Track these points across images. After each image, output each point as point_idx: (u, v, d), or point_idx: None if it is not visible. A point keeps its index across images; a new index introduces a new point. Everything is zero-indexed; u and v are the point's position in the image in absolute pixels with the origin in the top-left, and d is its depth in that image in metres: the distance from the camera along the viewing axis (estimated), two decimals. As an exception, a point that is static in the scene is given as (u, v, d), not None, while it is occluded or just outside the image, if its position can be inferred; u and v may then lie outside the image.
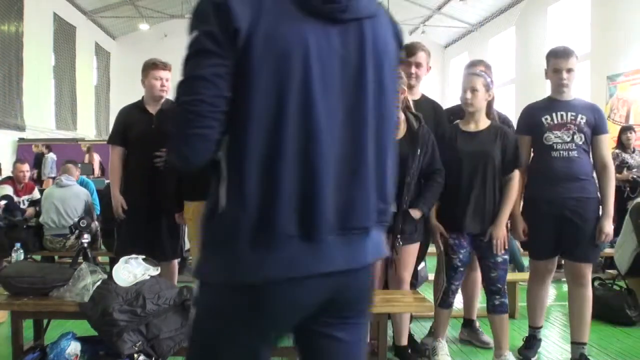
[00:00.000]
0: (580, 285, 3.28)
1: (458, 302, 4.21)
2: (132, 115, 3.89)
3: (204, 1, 1.19)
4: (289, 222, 1.20)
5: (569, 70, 3.23)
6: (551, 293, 5.64)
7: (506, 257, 3.20)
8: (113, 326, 2.65)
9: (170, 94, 3.84)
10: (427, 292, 3.75)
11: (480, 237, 3.16)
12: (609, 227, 3.18)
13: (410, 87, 3.50)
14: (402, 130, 3.11)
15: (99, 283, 2.78)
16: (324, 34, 1.22)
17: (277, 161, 1.19)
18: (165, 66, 3.81)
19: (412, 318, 3.72)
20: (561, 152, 3.22)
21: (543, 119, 3.26)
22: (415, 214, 3.07)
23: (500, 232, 3.12)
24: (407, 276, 3.25)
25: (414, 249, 3.23)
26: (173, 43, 22.14)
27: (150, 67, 3.80)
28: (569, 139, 3.20)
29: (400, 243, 3.10)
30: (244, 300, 1.23)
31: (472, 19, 18.77)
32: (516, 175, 3.17)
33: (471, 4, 17.37)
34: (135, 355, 2.70)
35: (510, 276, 4.44)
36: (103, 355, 2.84)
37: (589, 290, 3.30)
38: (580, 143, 3.19)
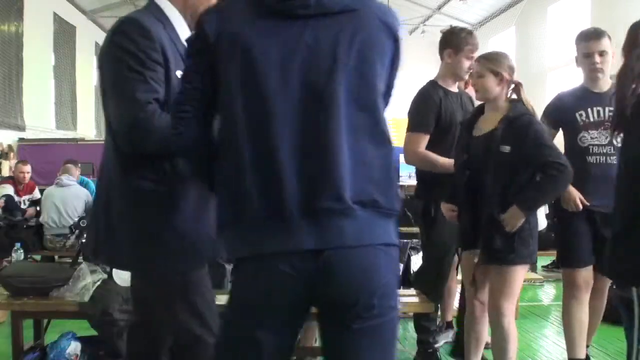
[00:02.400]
0: (597, 298, 3.08)
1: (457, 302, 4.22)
2: None
3: None
4: (258, 206, 1.31)
5: (602, 53, 2.80)
6: (550, 293, 5.65)
7: None
8: (113, 326, 2.65)
9: None
10: (427, 292, 3.75)
11: None
12: None
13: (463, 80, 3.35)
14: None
15: (99, 283, 2.78)
16: (286, 30, 1.33)
17: (240, 153, 1.32)
18: None
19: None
20: (598, 157, 2.80)
21: (577, 115, 2.84)
22: (511, 219, 2.46)
23: None
24: (506, 305, 2.60)
25: (511, 272, 2.57)
26: (173, 43, 22.22)
27: None
28: (606, 142, 2.78)
29: (482, 261, 2.60)
30: (238, 277, 1.40)
31: (472, 19, 18.74)
32: None
33: (471, 4, 17.35)
34: (135, 355, 2.69)
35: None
36: (103, 355, 2.85)
37: (605, 301, 3.15)
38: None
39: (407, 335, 3.94)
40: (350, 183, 1.32)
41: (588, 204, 2.81)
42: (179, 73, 1.65)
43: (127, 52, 1.62)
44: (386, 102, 1.46)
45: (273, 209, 1.30)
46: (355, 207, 1.32)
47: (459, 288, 3.95)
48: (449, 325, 3.81)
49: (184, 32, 1.77)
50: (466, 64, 3.19)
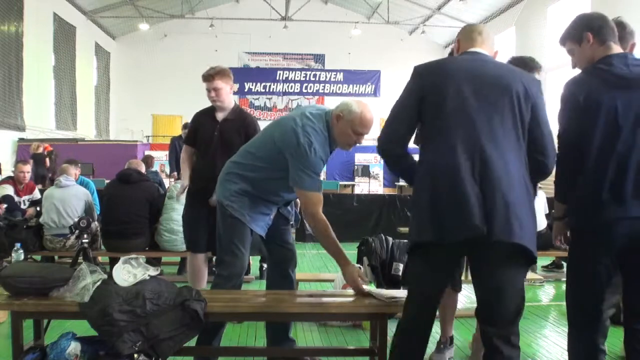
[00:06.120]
0: None
1: (462, 299, 4.22)
2: (202, 120, 4.01)
3: None
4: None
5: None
6: (550, 293, 5.65)
7: None
8: (113, 326, 2.64)
9: (228, 102, 3.92)
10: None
11: None
12: None
13: None
14: None
15: (99, 283, 2.78)
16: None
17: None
18: (211, 77, 3.82)
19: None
20: None
21: None
22: None
23: None
24: None
25: None
26: (173, 43, 22.25)
27: (203, 79, 3.86)
28: None
29: None
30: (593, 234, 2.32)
31: (472, 19, 18.74)
32: None
33: (471, 4, 17.38)
34: (135, 355, 2.70)
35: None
36: (103, 355, 2.84)
37: None
38: None
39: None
40: None
41: None
42: None
43: None
44: None
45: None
46: None
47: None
48: (451, 341, 3.69)
49: None
50: None
